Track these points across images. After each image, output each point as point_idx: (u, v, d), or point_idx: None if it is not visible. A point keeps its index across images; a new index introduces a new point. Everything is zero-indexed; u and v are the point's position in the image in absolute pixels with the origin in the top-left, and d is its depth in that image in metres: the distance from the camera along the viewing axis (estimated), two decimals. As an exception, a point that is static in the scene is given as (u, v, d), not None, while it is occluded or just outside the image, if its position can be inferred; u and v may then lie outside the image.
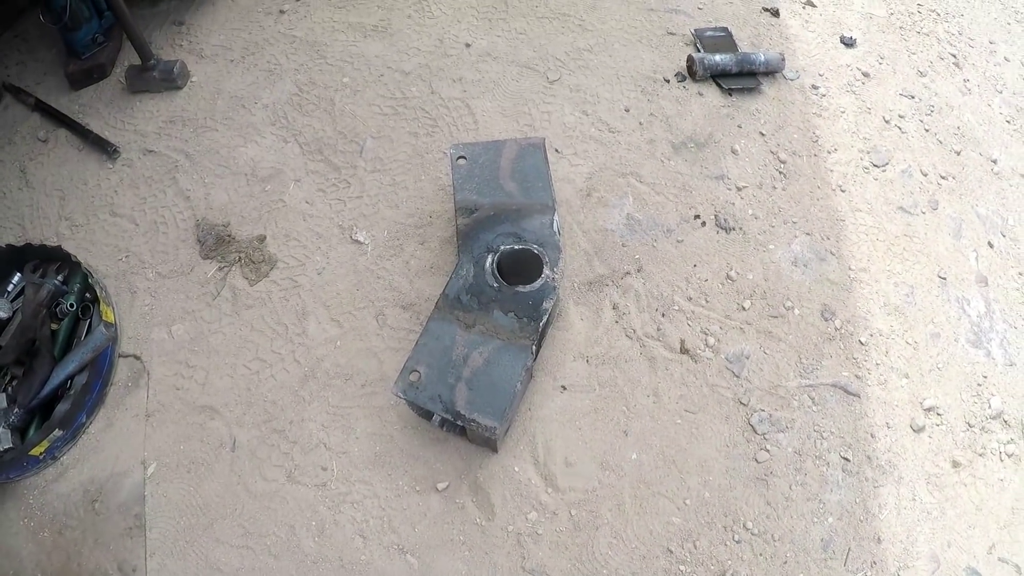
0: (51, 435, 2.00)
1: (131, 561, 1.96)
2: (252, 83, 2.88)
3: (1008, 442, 2.15)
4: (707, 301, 2.32)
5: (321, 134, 2.70)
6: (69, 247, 2.42)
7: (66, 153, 2.73)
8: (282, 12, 3.11)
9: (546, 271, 2.07)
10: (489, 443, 1.99)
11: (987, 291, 2.41)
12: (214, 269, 2.41)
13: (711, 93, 2.76)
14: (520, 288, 2.05)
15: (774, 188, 2.54)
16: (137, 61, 2.83)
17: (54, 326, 2.16)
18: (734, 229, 2.45)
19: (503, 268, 2.13)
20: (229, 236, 2.46)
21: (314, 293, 2.35)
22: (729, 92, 2.73)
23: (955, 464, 2.10)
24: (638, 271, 2.36)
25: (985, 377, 2.25)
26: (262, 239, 2.47)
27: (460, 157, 2.31)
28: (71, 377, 2.11)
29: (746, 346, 2.24)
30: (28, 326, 2.08)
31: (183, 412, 2.17)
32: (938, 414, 2.18)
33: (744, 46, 2.91)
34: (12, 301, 2.23)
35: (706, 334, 2.26)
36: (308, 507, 2.00)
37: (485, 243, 2.13)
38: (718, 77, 2.73)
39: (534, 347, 1.96)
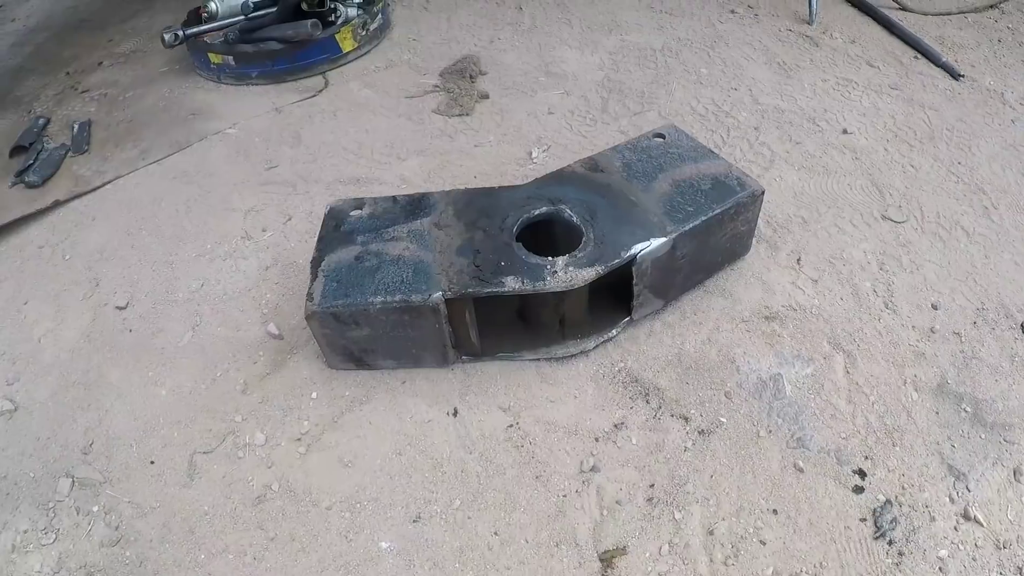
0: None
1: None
2: (646, 23, 2.75)
3: None
4: (727, 565, 1.24)
5: (629, 85, 2.38)
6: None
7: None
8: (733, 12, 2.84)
9: (559, 259, 1.40)
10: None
11: None
12: (431, 82, 2.41)
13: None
14: (517, 248, 1.43)
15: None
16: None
17: (304, 7, 2.52)
18: (892, 543, 1.24)
19: (553, 228, 1.54)
20: (471, 77, 2.43)
21: (447, 152, 2.14)
22: None
23: None
24: (700, 433, 1.41)
25: None
26: (484, 96, 2.36)
27: (659, 135, 1.73)
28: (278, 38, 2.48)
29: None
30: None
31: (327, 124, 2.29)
32: None
33: None
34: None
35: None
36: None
37: (562, 194, 1.56)
38: None
39: (445, 292, 1.36)
